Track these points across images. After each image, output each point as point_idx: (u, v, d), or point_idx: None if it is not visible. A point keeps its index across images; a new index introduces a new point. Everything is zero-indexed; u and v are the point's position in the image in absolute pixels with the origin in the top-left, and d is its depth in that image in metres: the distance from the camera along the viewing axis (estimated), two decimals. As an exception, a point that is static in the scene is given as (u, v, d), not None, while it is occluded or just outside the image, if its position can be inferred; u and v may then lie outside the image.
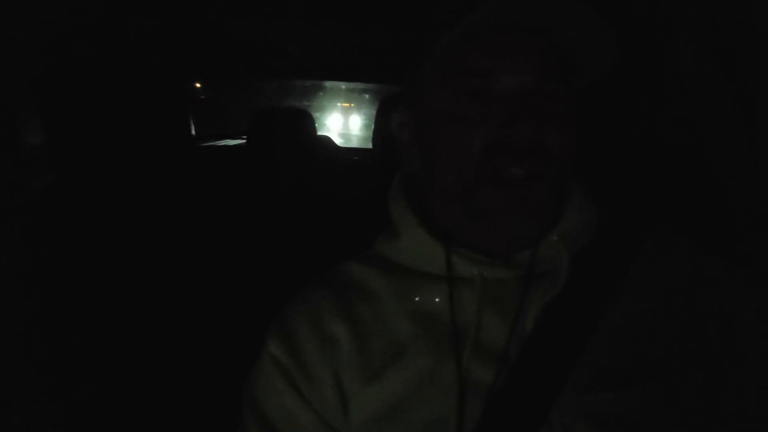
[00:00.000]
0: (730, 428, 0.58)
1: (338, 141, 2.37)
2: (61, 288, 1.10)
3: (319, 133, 1.85)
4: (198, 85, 2.40)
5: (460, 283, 0.64)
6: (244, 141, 1.82)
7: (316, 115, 1.78)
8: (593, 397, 0.57)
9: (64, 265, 1.13)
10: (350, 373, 0.63)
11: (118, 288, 1.24)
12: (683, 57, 0.99)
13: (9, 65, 0.99)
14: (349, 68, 2.06)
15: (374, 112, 1.65)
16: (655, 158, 1.15)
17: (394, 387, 0.61)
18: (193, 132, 2.10)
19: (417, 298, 0.65)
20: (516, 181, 0.58)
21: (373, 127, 1.67)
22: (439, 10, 0.66)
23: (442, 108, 0.63)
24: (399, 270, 0.68)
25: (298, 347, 0.66)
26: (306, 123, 1.71)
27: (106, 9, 1.27)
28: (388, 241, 0.71)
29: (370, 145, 1.82)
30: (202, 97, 2.54)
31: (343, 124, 5.35)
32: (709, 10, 0.93)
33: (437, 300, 0.64)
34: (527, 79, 0.59)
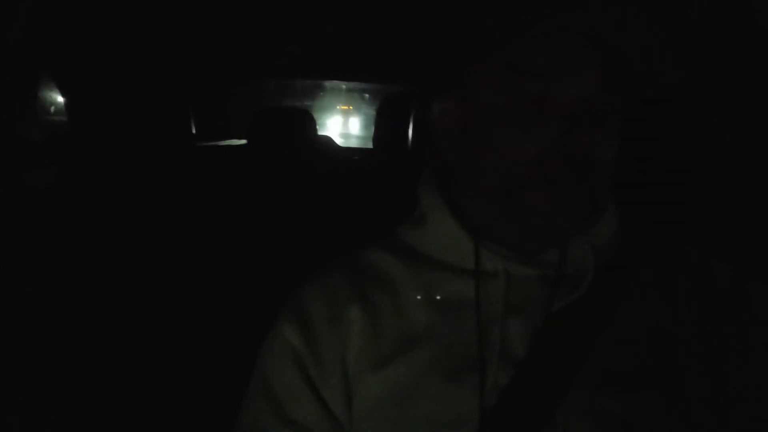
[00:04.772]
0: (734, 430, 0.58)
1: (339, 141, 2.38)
2: (62, 288, 1.10)
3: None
4: (199, 84, 2.39)
5: (485, 277, 0.64)
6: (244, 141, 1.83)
7: (316, 114, 1.79)
8: (597, 398, 0.57)
9: (65, 264, 1.13)
10: (360, 357, 0.63)
11: (118, 287, 1.24)
12: (684, 56, 0.99)
13: (9, 65, 0.99)
14: (349, 68, 2.06)
15: (373, 113, 1.65)
16: (656, 160, 1.15)
17: (402, 376, 0.61)
18: (194, 131, 2.10)
19: (437, 288, 0.65)
20: (564, 187, 0.58)
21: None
22: (439, 10, 0.66)
23: (495, 106, 0.61)
24: (421, 258, 0.68)
25: (310, 327, 0.66)
26: (307, 123, 1.71)
27: (106, 9, 1.27)
28: (414, 228, 0.71)
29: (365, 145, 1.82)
30: (203, 96, 2.53)
31: (343, 124, 5.34)
32: (709, 10, 0.93)
33: (459, 292, 0.64)
34: (587, 88, 0.58)
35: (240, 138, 2.28)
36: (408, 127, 1.53)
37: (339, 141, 2.66)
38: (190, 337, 1.23)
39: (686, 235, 0.70)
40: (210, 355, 1.18)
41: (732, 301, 0.63)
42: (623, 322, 0.61)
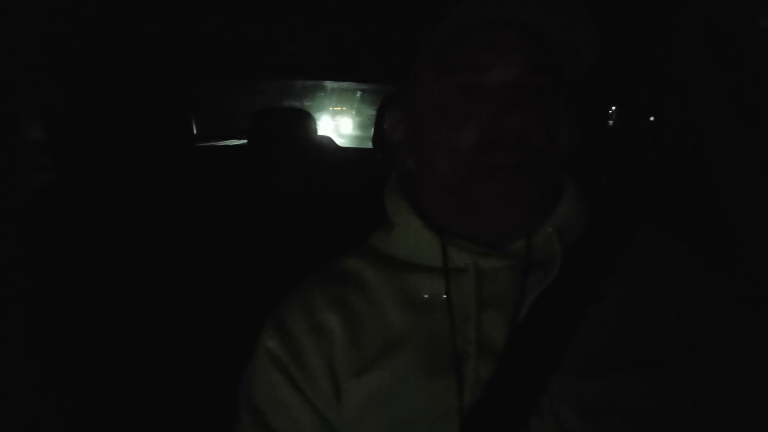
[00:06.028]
0: (716, 411, 0.58)
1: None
2: (62, 288, 1.10)
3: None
4: (199, 84, 2.39)
5: (455, 273, 0.65)
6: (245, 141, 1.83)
7: (316, 114, 1.79)
8: (583, 384, 0.58)
9: (65, 264, 1.13)
10: (343, 364, 0.64)
11: (118, 287, 1.24)
12: (683, 57, 0.99)
13: (10, 65, 0.99)
14: (350, 67, 2.06)
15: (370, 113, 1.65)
16: (653, 157, 1.15)
17: (385, 379, 0.61)
18: (195, 131, 2.10)
19: (411, 290, 0.66)
20: (505, 172, 0.60)
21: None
22: (441, 9, 0.66)
23: (433, 103, 0.64)
24: (393, 262, 0.69)
25: (291, 338, 0.66)
26: (306, 123, 1.71)
27: (107, 9, 1.28)
28: (383, 234, 0.72)
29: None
30: (203, 96, 2.53)
31: (338, 126, 5.34)
32: (709, 10, 0.93)
33: (432, 291, 0.65)
34: (515, 73, 0.60)
35: (240, 138, 2.28)
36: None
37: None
38: (191, 337, 1.23)
39: (674, 230, 0.70)
40: (210, 354, 1.18)
41: (701, 285, 0.64)
42: (604, 309, 0.62)
